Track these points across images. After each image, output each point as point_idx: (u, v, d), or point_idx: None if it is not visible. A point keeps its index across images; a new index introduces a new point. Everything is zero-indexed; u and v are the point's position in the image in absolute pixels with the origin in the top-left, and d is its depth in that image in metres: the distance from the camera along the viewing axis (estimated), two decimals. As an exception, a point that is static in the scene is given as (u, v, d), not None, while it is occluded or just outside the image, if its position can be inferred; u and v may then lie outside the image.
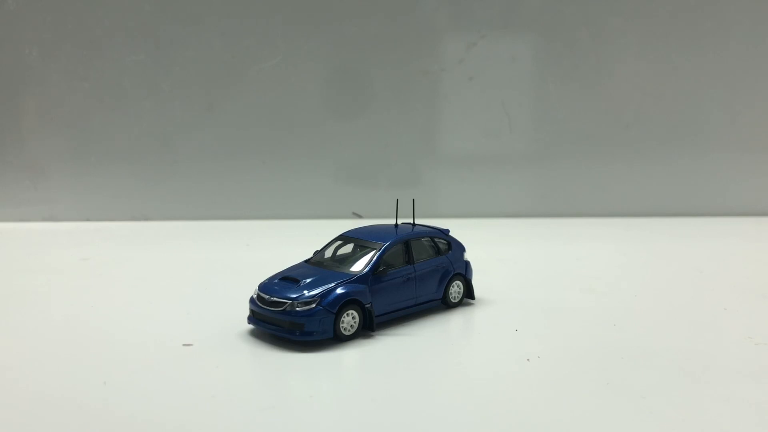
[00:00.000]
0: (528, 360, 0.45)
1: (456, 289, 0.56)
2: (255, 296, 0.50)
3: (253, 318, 0.50)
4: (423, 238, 0.55)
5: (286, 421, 0.37)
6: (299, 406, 0.39)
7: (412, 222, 0.58)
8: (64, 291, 0.62)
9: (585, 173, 0.98)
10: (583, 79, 0.99)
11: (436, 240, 0.56)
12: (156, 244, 0.82)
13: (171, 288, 0.64)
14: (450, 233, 0.58)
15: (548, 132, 1.00)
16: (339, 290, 0.48)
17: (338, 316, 0.48)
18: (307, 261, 0.55)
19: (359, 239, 0.54)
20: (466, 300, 0.57)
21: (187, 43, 0.96)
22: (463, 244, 0.58)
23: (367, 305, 0.49)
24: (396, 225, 0.57)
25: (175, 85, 0.96)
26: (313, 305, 0.47)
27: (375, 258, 0.51)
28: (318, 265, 0.53)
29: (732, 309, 0.56)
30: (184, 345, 0.48)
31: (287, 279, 0.50)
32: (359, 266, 0.51)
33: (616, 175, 0.99)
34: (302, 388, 0.42)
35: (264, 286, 0.51)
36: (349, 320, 0.48)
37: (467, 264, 0.57)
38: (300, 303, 0.48)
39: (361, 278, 0.50)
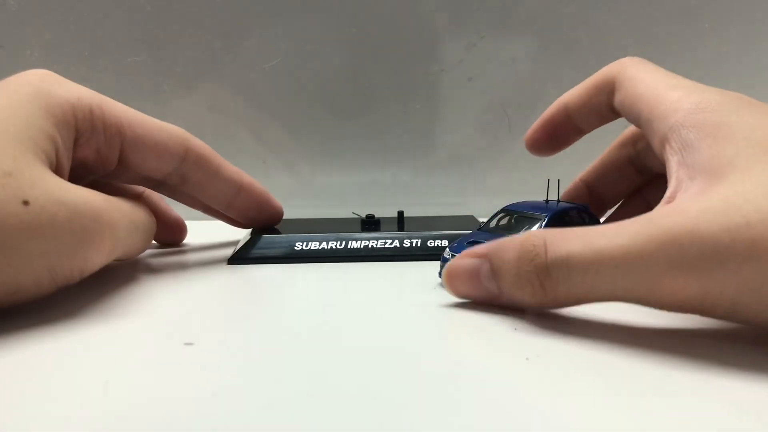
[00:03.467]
0: (527, 359, 0.45)
1: None
2: (449, 256, 0.59)
3: None
4: (572, 211, 0.64)
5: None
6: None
7: (556, 199, 0.66)
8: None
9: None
10: (582, 80, 0.99)
11: (581, 213, 0.65)
12: (150, 245, 0.83)
13: (170, 283, 0.64)
14: (588, 209, 0.67)
15: (547, 132, 1.00)
16: None
17: None
18: (478, 230, 0.64)
19: (522, 211, 0.63)
20: None
21: (188, 44, 0.97)
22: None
23: None
24: (546, 201, 0.66)
25: (176, 86, 0.97)
26: None
27: (543, 225, 0.60)
28: (492, 232, 0.62)
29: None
30: (185, 344, 0.48)
31: (474, 242, 0.59)
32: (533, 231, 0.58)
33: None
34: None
35: (456, 248, 0.60)
36: None
37: None
38: None
39: None
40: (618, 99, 0.62)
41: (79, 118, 0.59)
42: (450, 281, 0.55)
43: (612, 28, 0.98)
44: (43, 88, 0.57)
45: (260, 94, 1.00)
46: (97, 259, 0.55)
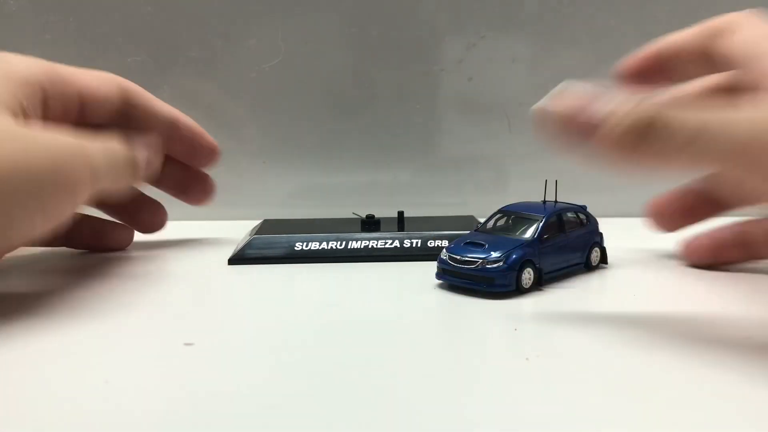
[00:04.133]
0: (527, 359, 0.45)
1: (595, 255, 0.68)
2: (446, 257, 0.61)
3: (443, 274, 0.61)
4: (569, 212, 0.67)
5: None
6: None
7: (554, 200, 0.67)
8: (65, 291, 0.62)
9: (583, 172, 0.98)
10: (583, 79, 0.99)
11: (578, 214, 0.68)
12: (151, 246, 0.82)
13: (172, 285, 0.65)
14: (587, 209, 0.70)
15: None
16: (518, 252, 0.59)
17: (519, 272, 0.59)
18: (476, 230, 0.66)
19: (519, 212, 0.65)
20: (601, 264, 0.69)
21: (188, 44, 0.97)
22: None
23: (537, 265, 0.60)
24: (544, 202, 0.67)
25: (176, 86, 0.97)
26: (501, 263, 0.58)
27: (540, 227, 0.62)
28: (489, 233, 0.64)
29: (732, 307, 0.56)
30: (185, 344, 0.48)
31: (472, 243, 0.61)
32: (528, 234, 0.62)
33: (615, 174, 0.99)
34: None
35: (453, 249, 0.61)
36: (527, 276, 0.59)
37: (601, 235, 0.69)
38: (490, 261, 0.59)
39: (530, 243, 0.61)
40: (722, 43, 0.61)
41: (41, 81, 0.64)
42: (557, 102, 0.52)
43: (612, 28, 0.98)
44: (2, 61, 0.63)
45: (260, 94, 1.00)
46: (82, 188, 0.58)
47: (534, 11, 0.98)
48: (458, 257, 0.61)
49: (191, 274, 0.70)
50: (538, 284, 0.61)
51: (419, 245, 0.75)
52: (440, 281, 0.63)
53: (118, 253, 0.78)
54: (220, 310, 0.59)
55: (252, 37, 0.98)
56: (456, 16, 0.99)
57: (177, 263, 0.75)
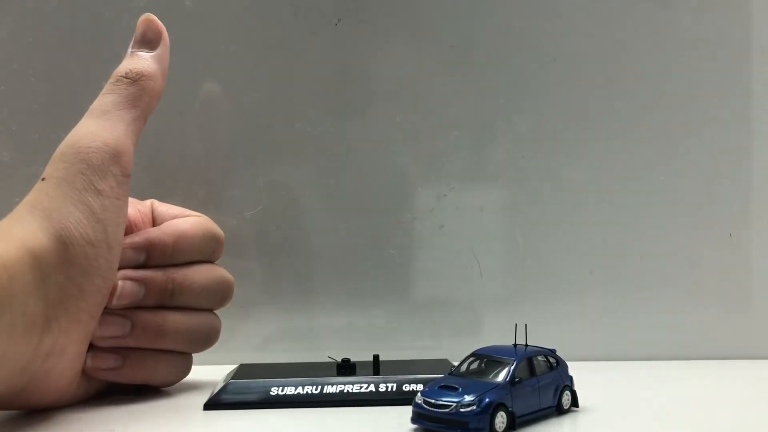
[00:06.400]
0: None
1: (566, 398, 0.68)
2: (420, 401, 0.61)
3: (418, 418, 0.62)
4: (539, 355, 0.68)
5: None
6: None
7: (525, 343, 0.69)
8: None
9: (551, 316, 1.01)
10: (547, 228, 1.05)
11: (548, 357, 0.69)
12: (122, 390, 0.81)
13: None
14: (557, 352, 0.70)
15: (516, 277, 1.04)
16: (490, 395, 0.60)
17: (492, 416, 0.59)
18: (450, 374, 0.66)
19: (491, 356, 0.67)
20: (572, 408, 0.69)
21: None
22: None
23: (510, 408, 0.60)
24: (515, 345, 0.69)
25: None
26: (474, 407, 0.59)
27: (511, 371, 0.63)
28: (462, 376, 0.65)
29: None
30: None
31: (445, 387, 0.62)
32: (500, 377, 0.63)
33: (582, 318, 1.02)
34: None
35: (428, 393, 0.62)
36: (500, 420, 0.59)
37: (571, 378, 0.70)
38: (463, 405, 0.59)
39: (502, 386, 0.61)
40: None
41: None
42: None
43: (572, 181, 1.05)
44: None
45: (240, 243, 1.03)
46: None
47: (499, 165, 1.05)
48: (432, 401, 0.62)
49: (165, 420, 0.69)
50: (512, 428, 0.62)
51: (394, 389, 0.76)
52: (415, 425, 0.63)
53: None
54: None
55: (234, 186, 1.03)
56: (427, 170, 1.05)
57: (150, 408, 0.74)
